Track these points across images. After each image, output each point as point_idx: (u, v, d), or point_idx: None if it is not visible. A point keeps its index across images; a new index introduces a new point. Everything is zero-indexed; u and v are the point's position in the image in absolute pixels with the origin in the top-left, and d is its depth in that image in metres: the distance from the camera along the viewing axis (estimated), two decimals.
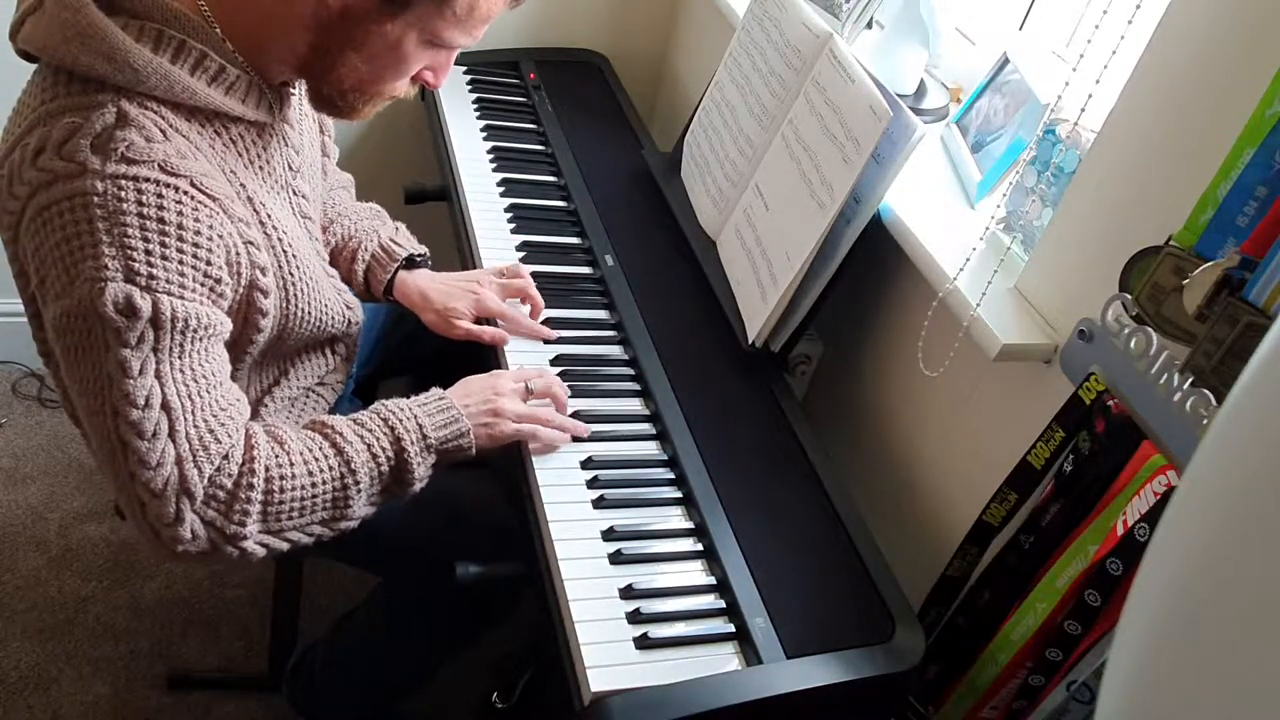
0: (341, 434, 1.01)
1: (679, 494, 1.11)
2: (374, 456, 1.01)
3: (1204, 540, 0.35)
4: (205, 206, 0.89)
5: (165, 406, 0.88)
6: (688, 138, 1.58)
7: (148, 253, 0.85)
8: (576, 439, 1.14)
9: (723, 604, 1.01)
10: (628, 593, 0.99)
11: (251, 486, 0.93)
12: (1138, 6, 0.91)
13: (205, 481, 0.91)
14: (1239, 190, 0.81)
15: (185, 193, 0.87)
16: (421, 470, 1.05)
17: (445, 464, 1.08)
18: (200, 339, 0.90)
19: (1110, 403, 0.92)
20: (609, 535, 1.04)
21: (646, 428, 1.19)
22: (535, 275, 1.37)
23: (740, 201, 1.39)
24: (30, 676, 1.59)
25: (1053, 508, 0.98)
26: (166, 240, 0.86)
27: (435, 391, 1.10)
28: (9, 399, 2.04)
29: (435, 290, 1.30)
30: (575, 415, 1.17)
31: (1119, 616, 0.39)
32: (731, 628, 0.98)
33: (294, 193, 1.09)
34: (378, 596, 1.41)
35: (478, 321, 1.28)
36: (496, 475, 1.30)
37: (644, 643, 0.95)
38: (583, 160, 1.64)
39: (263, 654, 1.63)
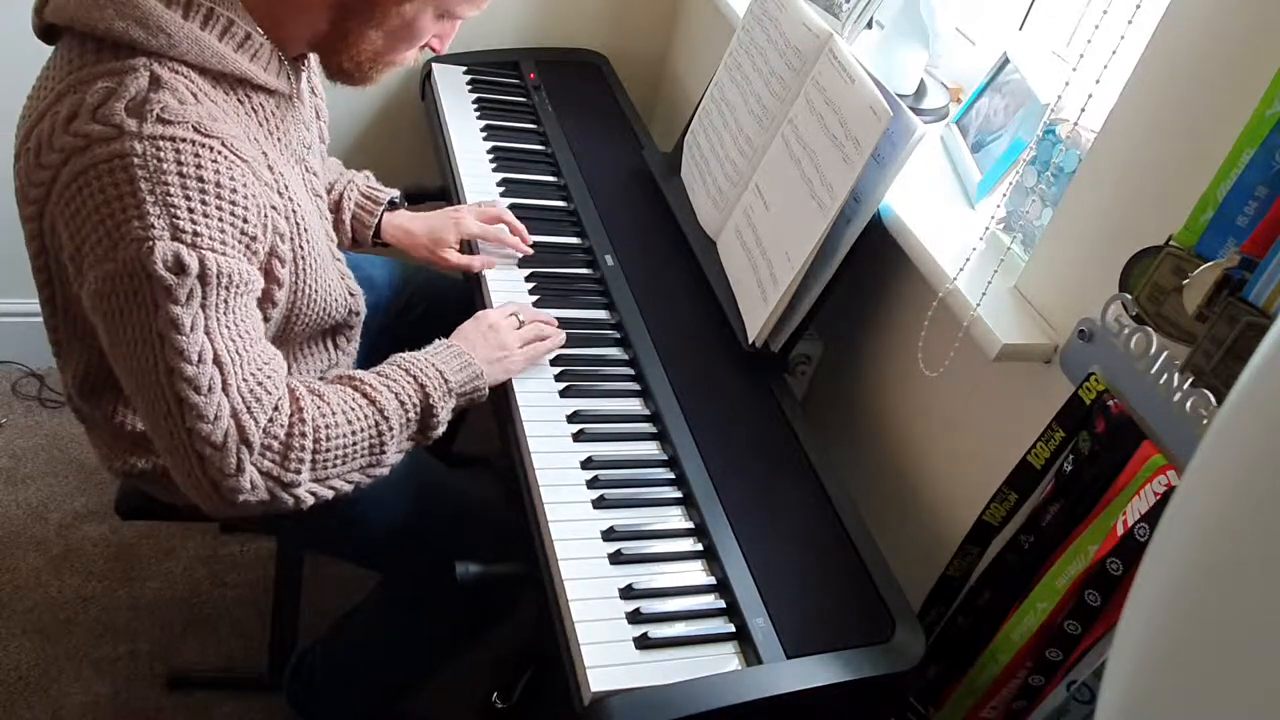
0: (372, 385, 1.06)
1: (679, 494, 1.11)
2: (403, 405, 1.06)
3: (1204, 540, 0.35)
4: (238, 166, 0.91)
5: (217, 361, 0.91)
6: (688, 138, 1.58)
7: (190, 210, 0.87)
8: (578, 443, 1.15)
9: (723, 604, 1.01)
10: (628, 593, 0.99)
11: (304, 435, 0.97)
12: (1138, 6, 0.91)
13: (261, 432, 0.94)
14: (1239, 190, 0.81)
15: (219, 152, 0.90)
16: (444, 414, 1.10)
17: (463, 406, 1.14)
18: (240, 294, 0.93)
19: (1110, 403, 0.92)
20: (609, 535, 1.04)
21: (646, 428, 1.19)
22: (535, 275, 1.37)
23: (740, 201, 1.39)
24: (30, 676, 1.59)
25: (1053, 508, 0.98)
26: (206, 198, 0.88)
27: (441, 341, 1.16)
28: (9, 399, 2.04)
29: (420, 226, 1.40)
30: (574, 414, 1.17)
31: (1119, 616, 0.39)
32: (731, 628, 0.98)
33: (306, 168, 1.12)
34: (378, 596, 1.42)
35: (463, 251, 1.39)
36: (497, 475, 1.30)
37: (644, 643, 0.95)
38: (583, 160, 1.64)
39: (263, 654, 1.62)
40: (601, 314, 1.35)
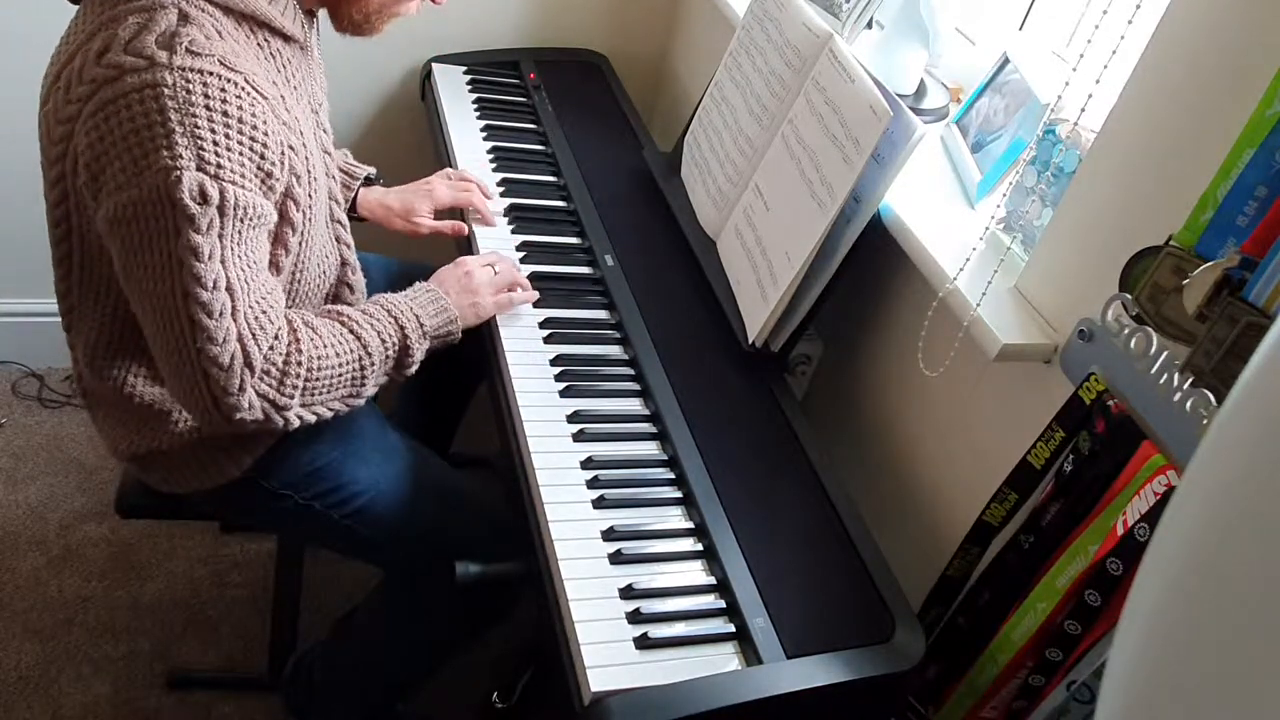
0: (358, 322, 1.12)
1: (679, 494, 1.11)
2: (384, 342, 1.13)
3: (1204, 540, 0.35)
4: (260, 103, 0.96)
5: (229, 288, 0.96)
6: (688, 138, 1.58)
7: (215, 143, 0.92)
8: (578, 443, 1.15)
9: (723, 604, 1.01)
10: (628, 593, 0.99)
11: (300, 364, 1.04)
12: (1138, 6, 0.91)
13: (262, 358, 1.00)
14: (1239, 190, 0.81)
15: (243, 88, 0.94)
16: (418, 354, 1.18)
17: (436, 348, 1.21)
18: (253, 227, 0.98)
19: (1110, 403, 0.92)
20: (609, 535, 1.04)
21: (646, 428, 1.19)
22: (535, 275, 1.37)
23: (740, 201, 1.39)
24: (30, 676, 1.59)
25: (1053, 508, 0.98)
26: (230, 132, 0.93)
27: (420, 285, 1.24)
28: (9, 399, 2.04)
29: (395, 200, 1.47)
30: (574, 414, 1.17)
31: (1119, 616, 0.39)
32: (731, 628, 0.98)
33: (318, 124, 1.16)
34: (378, 596, 1.42)
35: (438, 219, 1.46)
36: (497, 475, 1.31)
37: (644, 643, 0.95)
38: (583, 160, 1.64)
39: (263, 654, 1.62)
40: (601, 314, 1.35)
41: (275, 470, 1.19)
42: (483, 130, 1.69)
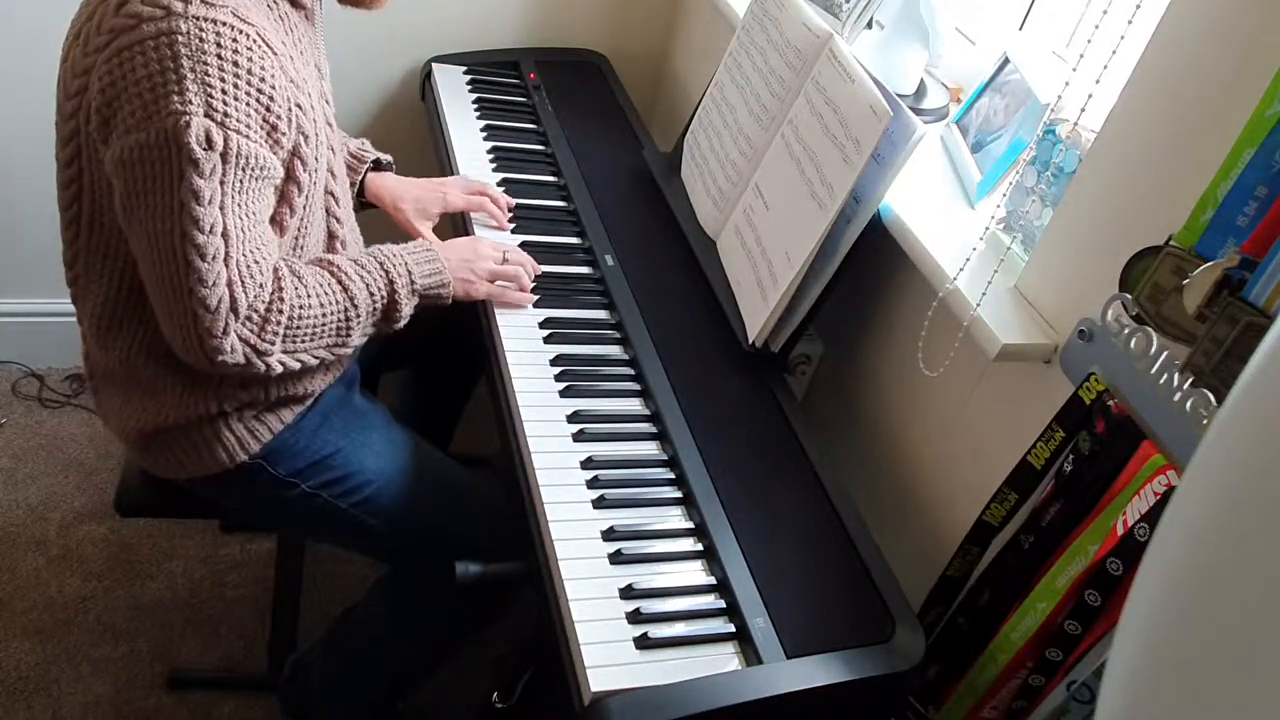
0: (346, 273, 1.14)
1: (679, 494, 1.11)
2: (371, 295, 1.15)
3: (1204, 540, 0.35)
4: (270, 57, 0.99)
5: (224, 234, 0.99)
6: (688, 138, 1.58)
7: (224, 92, 0.95)
8: (578, 443, 1.15)
9: (723, 604, 1.01)
10: (628, 593, 0.99)
11: (281, 311, 1.06)
12: (1138, 6, 0.91)
13: (247, 304, 1.03)
14: (1239, 190, 0.81)
15: (254, 40, 0.98)
16: (407, 310, 1.19)
17: (425, 306, 1.22)
18: (256, 178, 1.00)
19: (1110, 403, 0.92)
20: (609, 535, 1.04)
21: (646, 428, 1.19)
22: (535, 275, 1.37)
23: (740, 201, 1.39)
24: (30, 676, 1.59)
25: (1053, 508, 0.98)
26: (239, 82, 0.96)
27: (422, 242, 1.25)
28: (9, 399, 2.04)
29: (406, 193, 1.45)
30: (574, 414, 1.17)
31: (1119, 616, 0.39)
32: (731, 628, 0.98)
33: (322, 93, 1.17)
34: (376, 594, 1.42)
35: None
36: (497, 475, 1.31)
37: (644, 643, 0.95)
38: (583, 160, 1.64)
39: (263, 654, 1.63)
40: (601, 314, 1.35)
41: (282, 457, 1.20)
42: (483, 130, 1.69)
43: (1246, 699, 0.32)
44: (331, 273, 1.13)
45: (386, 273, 1.16)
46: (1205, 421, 0.82)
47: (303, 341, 1.10)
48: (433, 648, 1.41)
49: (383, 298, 1.16)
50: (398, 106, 1.97)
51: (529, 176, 1.60)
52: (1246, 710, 0.32)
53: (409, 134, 1.99)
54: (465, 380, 1.73)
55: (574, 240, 1.48)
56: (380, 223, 1.47)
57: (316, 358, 1.13)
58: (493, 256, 1.30)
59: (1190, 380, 0.84)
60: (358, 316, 1.14)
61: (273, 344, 1.06)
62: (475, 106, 1.75)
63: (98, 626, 1.68)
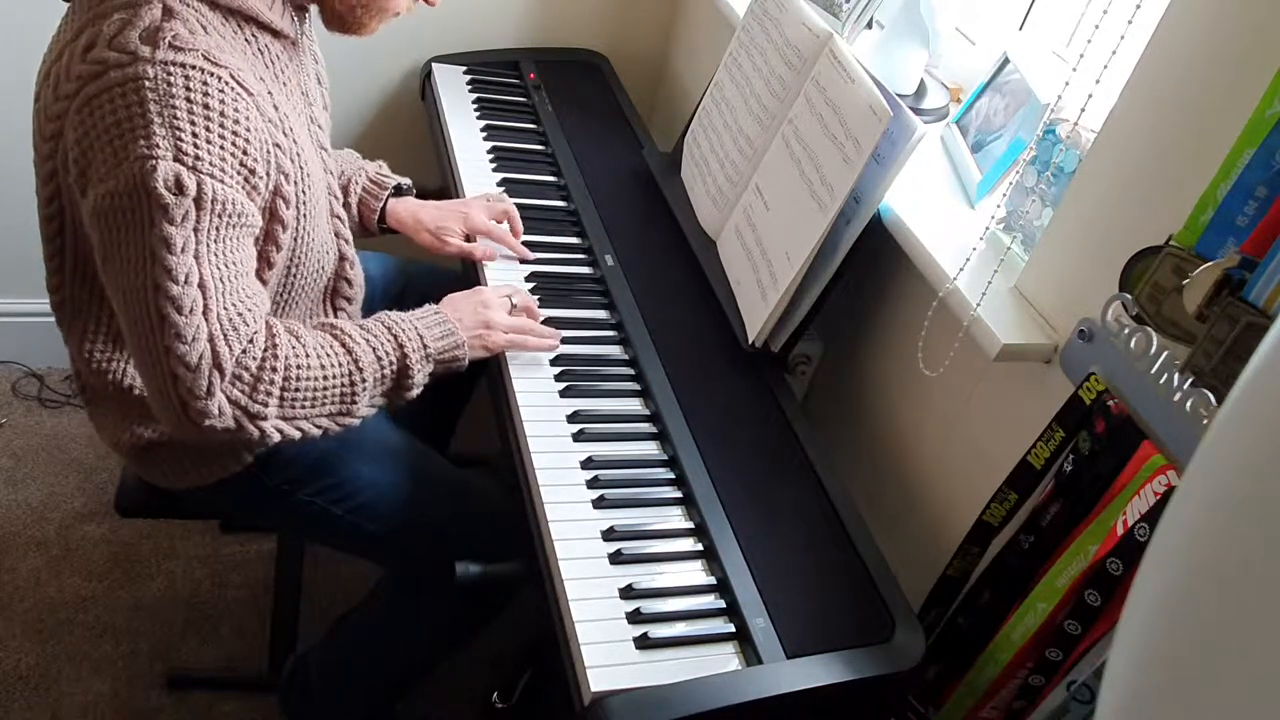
0: (351, 336, 1.08)
1: (679, 494, 1.11)
2: (379, 360, 1.08)
3: (1204, 540, 0.35)
4: (243, 99, 0.95)
5: (201, 285, 0.93)
6: (688, 138, 1.58)
7: (194, 135, 0.91)
8: (578, 443, 1.15)
9: (723, 604, 1.01)
10: (628, 593, 0.99)
11: (274, 370, 0.99)
12: (1138, 6, 0.91)
13: (234, 361, 0.97)
14: (1239, 190, 0.81)
15: (226, 83, 0.94)
16: (420, 378, 1.12)
17: (440, 373, 1.15)
18: (234, 225, 0.96)
19: (1110, 403, 0.92)
20: (609, 535, 1.04)
21: (646, 428, 1.19)
22: (536, 275, 1.37)
23: (740, 201, 1.39)
24: (30, 676, 1.59)
25: (1053, 508, 0.98)
26: (210, 125, 0.92)
27: (430, 307, 1.18)
28: (9, 399, 2.04)
29: (427, 213, 1.41)
30: (574, 414, 1.17)
31: (1119, 616, 0.39)
32: (731, 628, 0.98)
33: (311, 119, 1.14)
34: (376, 594, 1.42)
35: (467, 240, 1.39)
36: (497, 475, 1.31)
37: (644, 643, 0.95)
38: (583, 160, 1.64)
39: (263, 654, 1.63)
40: (601, 314, 1.35)
41: (277, 465, 1.19)
42: (483, 130, 1.69)
43: (1247, 699, 0.32)
44: (334, 335, 1.07)
45: (395, 337, 1.10)
46: (1205, 421, 0.82)
47: (302, 407, 1.03)
48: (432, 648, 1.41)
49: (392, 364, 1.09)
50: (398, 106, 1.97)
51: (529, 176, 1.60)
52: (1247, 710, 0.32)
53: (409, 134, 1.99)
54: (464, 381, 1.73)
55: (574, 240, 1.48)
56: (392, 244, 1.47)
57: (319, 427, 1.05)
58: (502, 304, 1.23)
59: (1190, 380, 0.84)
60: (364, 382, 1.06)
61: (266, 405, 0.99)
62: (475, 106, 1.75)
63: (98, 626, 1.68)
